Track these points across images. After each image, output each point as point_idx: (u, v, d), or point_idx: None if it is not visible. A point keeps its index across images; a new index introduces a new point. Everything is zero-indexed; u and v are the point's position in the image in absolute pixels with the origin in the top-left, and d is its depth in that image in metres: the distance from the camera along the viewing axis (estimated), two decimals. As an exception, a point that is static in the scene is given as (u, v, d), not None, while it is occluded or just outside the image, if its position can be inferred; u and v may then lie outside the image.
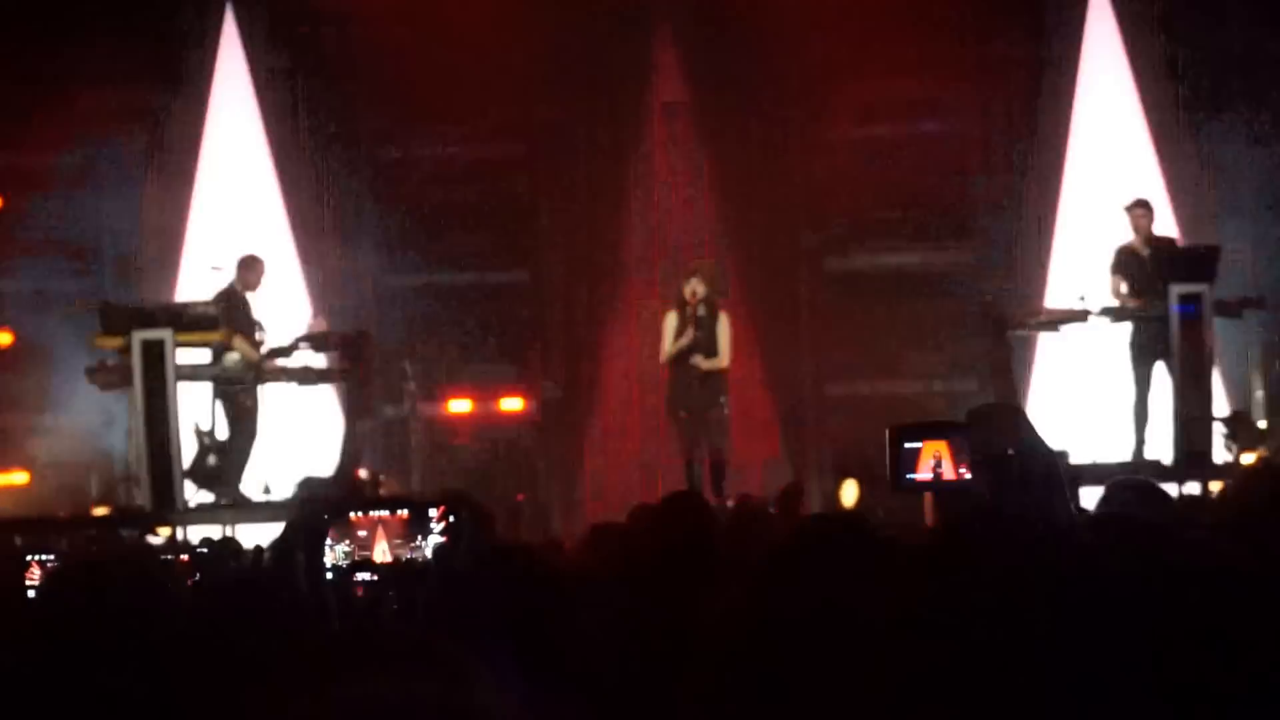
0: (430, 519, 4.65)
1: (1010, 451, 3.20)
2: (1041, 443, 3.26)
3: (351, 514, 4.69)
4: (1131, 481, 4.54)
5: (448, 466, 12.53)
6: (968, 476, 3.23)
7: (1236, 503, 3.58)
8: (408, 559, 4.55)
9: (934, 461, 3.24)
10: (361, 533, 4.58)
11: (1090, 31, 12.51)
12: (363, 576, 4.56)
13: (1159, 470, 10.78)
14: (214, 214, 12.82)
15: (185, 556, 5.89)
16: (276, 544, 4.37)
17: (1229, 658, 2.43)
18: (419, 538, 4.61)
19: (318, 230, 12.89)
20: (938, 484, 3.21)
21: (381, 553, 4.58)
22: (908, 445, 3.25)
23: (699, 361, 11.01)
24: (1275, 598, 2.54)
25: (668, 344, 11.16)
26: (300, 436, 12.05)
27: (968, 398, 12.39)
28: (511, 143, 13.23)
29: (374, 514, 4.70)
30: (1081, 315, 10.99)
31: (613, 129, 13.16)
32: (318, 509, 4.64)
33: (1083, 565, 2.49)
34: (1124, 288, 10.94)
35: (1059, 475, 3.22)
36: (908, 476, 3.23)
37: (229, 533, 10.15)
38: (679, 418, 11.16)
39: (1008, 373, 11.86)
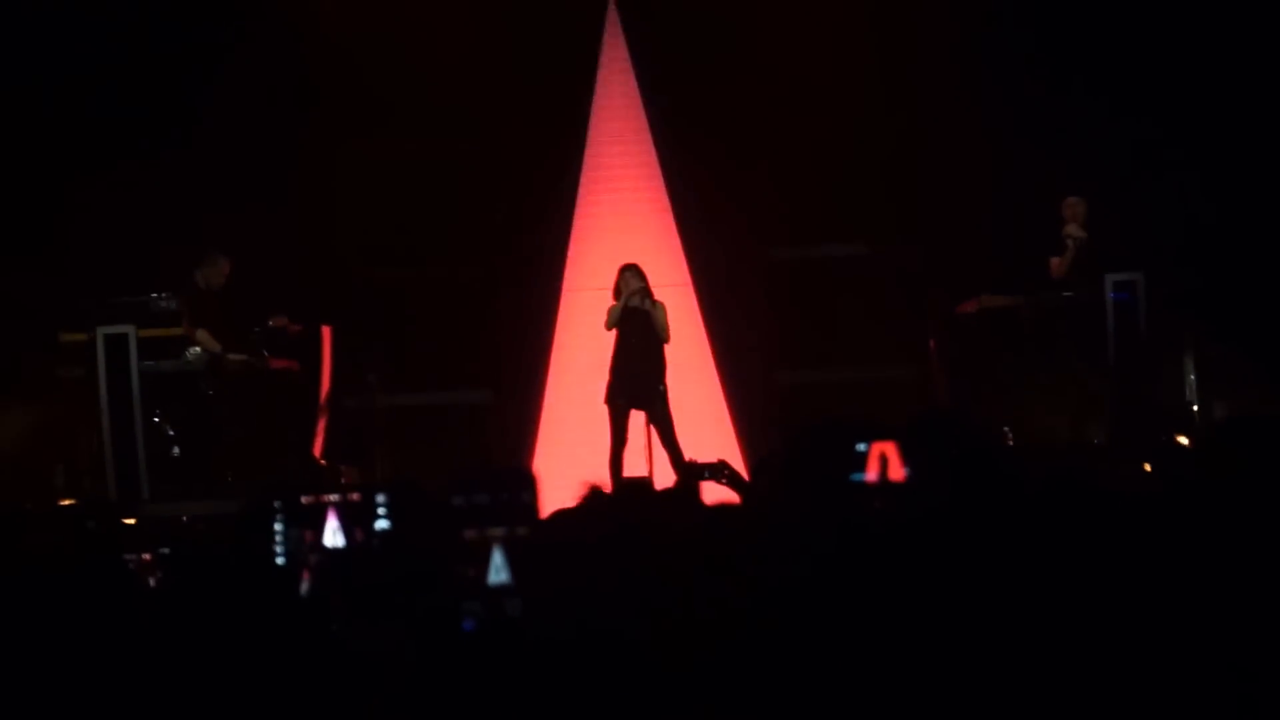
0: (377, 505, 4.81)
1: (951, 456, 3.29)
2: (983, 444, 3.37)
3: (303, 499, 4.83)
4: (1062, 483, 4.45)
5: (408, 457, 12.68)
6: (910, 478, 3.28)
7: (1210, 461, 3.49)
8: (356, 543, 4.71)
9: (881, 463, 3.28)
10: (312, 517, 4.75)
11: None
12: (312, 560, 4.70)
13: (1095, 452, 11.14)
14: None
15: (147, 555, 6.04)
16: (230, 531, 4.51)
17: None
18: (367, 523, 4.77)
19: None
20: (884, 485, 3.25)
21: (331, 536, 4.75)
22: (858, 447, 3.28)
23: (648, 307, 11.32)
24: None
25: (611, 319, 11.49)
26: (264, 428, 12.25)
27: (913, 387, 12.68)
28: (463, 139, 13.34)
29: (325, 499, 4.85)
30: (1018, 306, 11.36)
31: (562, 122, 13.31)
32: (268, 494, 4.70)
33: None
34: (1066, 269, 11.36)
35: (999, 477, 3.30)
36: (855, 477, 3.27)
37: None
38: (616, 406, 11.43)
39: (951, 361, 12.18)
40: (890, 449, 3.29)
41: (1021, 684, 2.57)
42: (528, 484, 4.21)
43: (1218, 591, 2.75)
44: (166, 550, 6.32)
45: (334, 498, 4.88)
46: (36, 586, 3.37)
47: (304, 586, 4.59)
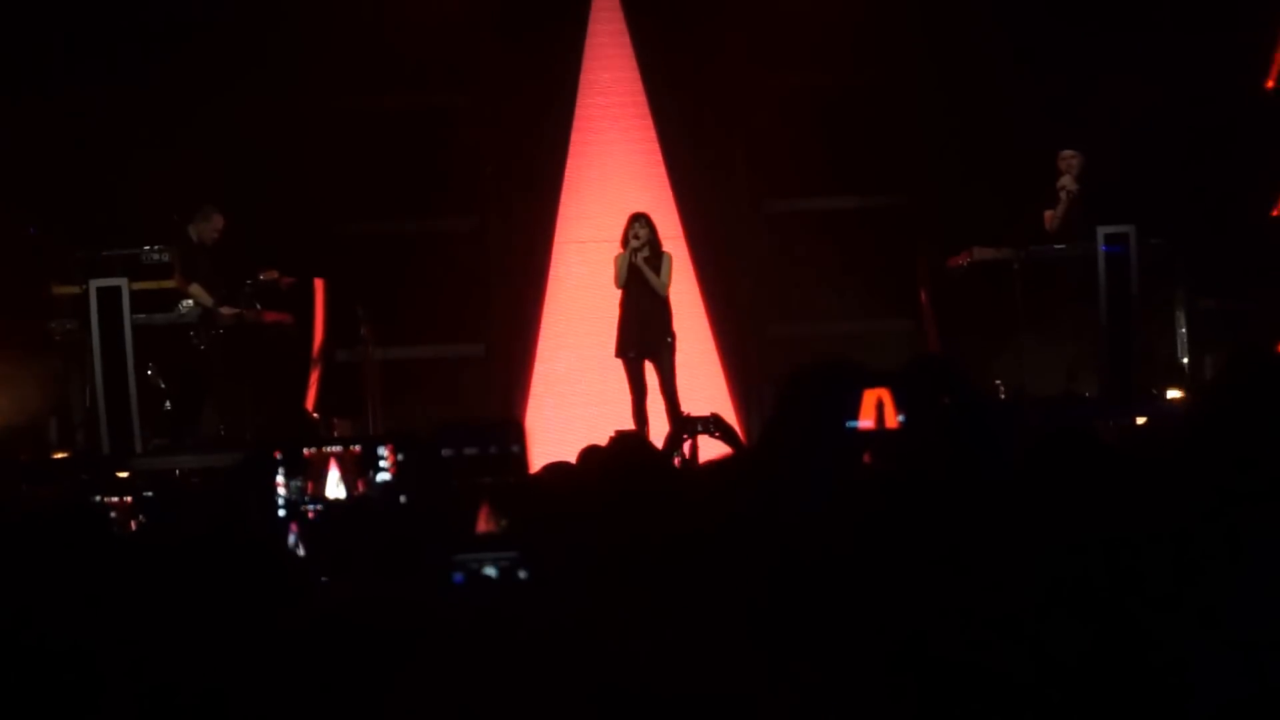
0: (380, 457, 4.80)
1: (945, 400, 3.26)
2: (976, 392, 3.34)
3: (304, 450, 4.83)
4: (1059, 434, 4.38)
5: (402, 410, 12.69)
6: (904, 424, 3.23)
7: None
8: (358, 495, 4.71)
9: (876, 409, 3.24)
10: (314, 468, 4.75)
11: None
12: (312, 508, 4.70)
13: (1087, 405, 11.18)
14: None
15: (129, 499, 6.04)
16: (230, 481, 4.50)
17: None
18: (369, 474, 4.76)
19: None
20: (880, 432, 3.21)
21: (333, 487, 4.75)
22: (850, 393, 3.24)
23: (648, 275, 11.37)
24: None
25: (620, 275, 11.50)
26: (256, 381, 12.25)
27: (905, 338, 12.71)
28: (454, 91, 13.29)
29: (326, 450, 4.85)
30: (1010, 259, 11.36)
31: (553, 73, 13.24)
32: (270, 445, 4.66)
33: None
34: (1058, 224, 11.38)
35: (993, 423, 3.32)
36: (849, 424, 3.23)
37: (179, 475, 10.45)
38: (628, 358, 11.50)
39: (942, 314, 12.20)
40: (885, 395, 3.26)
41: (1014, 637, 2.58)
42: (517, 436, 4.20)
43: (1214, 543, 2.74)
44: (149, 494, 6.29)
45: (335, 449, 4.86)
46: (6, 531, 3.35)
47: (292, 540, 4.59)
